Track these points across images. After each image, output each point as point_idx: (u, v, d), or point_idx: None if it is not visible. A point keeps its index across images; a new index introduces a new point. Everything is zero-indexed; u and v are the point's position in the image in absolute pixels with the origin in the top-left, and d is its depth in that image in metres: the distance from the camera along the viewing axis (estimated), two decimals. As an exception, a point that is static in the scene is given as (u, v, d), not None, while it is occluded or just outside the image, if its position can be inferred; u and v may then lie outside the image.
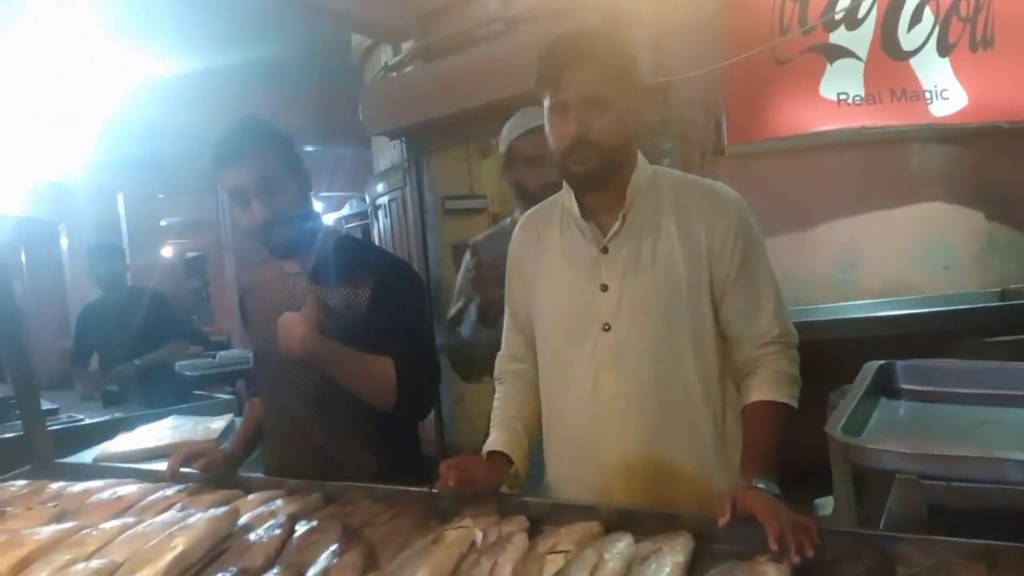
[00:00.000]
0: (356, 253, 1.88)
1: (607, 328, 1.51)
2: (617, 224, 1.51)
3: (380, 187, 5.97)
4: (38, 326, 13.41)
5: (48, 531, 1.50)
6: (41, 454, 2.15)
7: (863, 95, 4.24)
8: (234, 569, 1.29)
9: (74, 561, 1.36)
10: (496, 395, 1.71)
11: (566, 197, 1.59)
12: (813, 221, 4.29)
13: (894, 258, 4.26)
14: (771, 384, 1.47)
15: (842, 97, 4.22)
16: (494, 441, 1.60)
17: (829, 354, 1.85)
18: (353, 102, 5.52)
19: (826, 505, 3.15)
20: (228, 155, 1.73)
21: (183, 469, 1.85)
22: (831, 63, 4.24)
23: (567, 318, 1.57)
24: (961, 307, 3.99)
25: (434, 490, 1.50)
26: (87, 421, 3.31)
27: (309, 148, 7.65)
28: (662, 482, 1.50)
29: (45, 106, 5.47)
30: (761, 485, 1.31)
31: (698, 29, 4.30)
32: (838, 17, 4.23)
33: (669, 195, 1.53)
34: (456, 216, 5.45)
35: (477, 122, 4.80)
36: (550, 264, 1.60)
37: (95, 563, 1.35)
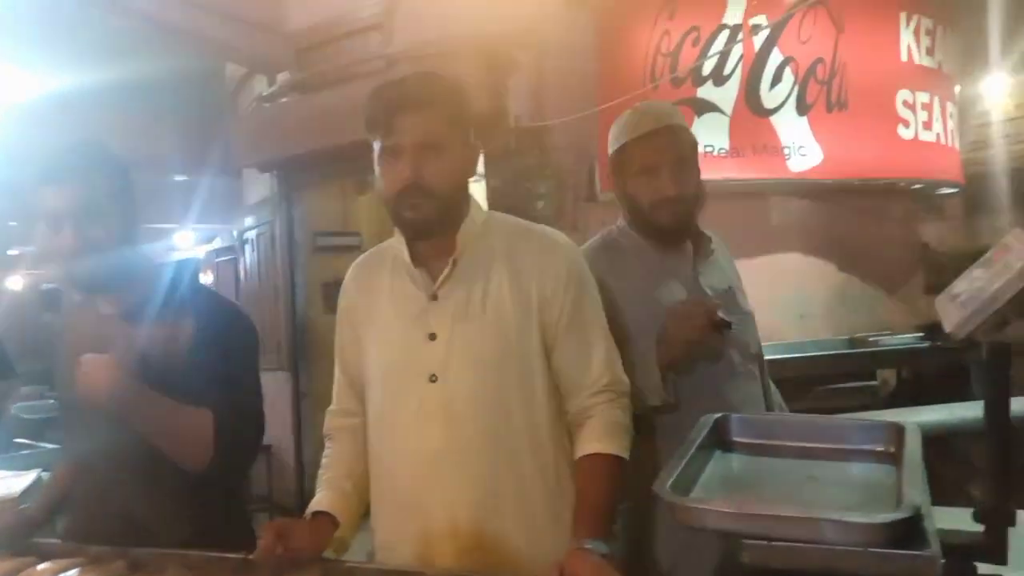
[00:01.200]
0: (182, 294, 1.71)
1: (433, 379, 1.45)
2: (447, 270, 1.47)
3: (249, 220, 5.76)
4: None
5: None
6: None
7: (728, 148, 4.42)
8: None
9: None
10: (325, 453, 1.61)
11: (396, 244, 1.54)
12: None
13: (756, 306, 4.42)
14: (603, 436, 1.46)
15: (708, 149, 4.38)
16: (319, 501, 1.49)
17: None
18: (225, 132, 5.31)
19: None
20: (48, 175, 1.59)
21: None
22: (699, 116, 4.41)
23: (393, 369, 1.51)
24: (815, 354, 4.17)
25: (250, 556, 1.36)
26: None
27: (179, 177, 7.31)
28: (491, 542, 1.43)
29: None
30: (590, 546, 1.29)
31: (576, 77, 4.40)
32: (705, 73, 4.42)
33: (501, 242, 1.51)
34: (327, 253, 5.29)
35: (353, 158, 4.69)
36: (379, 313, 1.54)
37: None
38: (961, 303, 1.11)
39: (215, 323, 1.65)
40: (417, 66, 4.76)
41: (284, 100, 5.35)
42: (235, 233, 6.15)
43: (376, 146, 1.45)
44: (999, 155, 7.32)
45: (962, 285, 1.18)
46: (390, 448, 1.51)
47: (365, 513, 1.57)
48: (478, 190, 5.02)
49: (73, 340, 1.70)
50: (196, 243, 7.50)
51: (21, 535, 1.64)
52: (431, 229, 1.46)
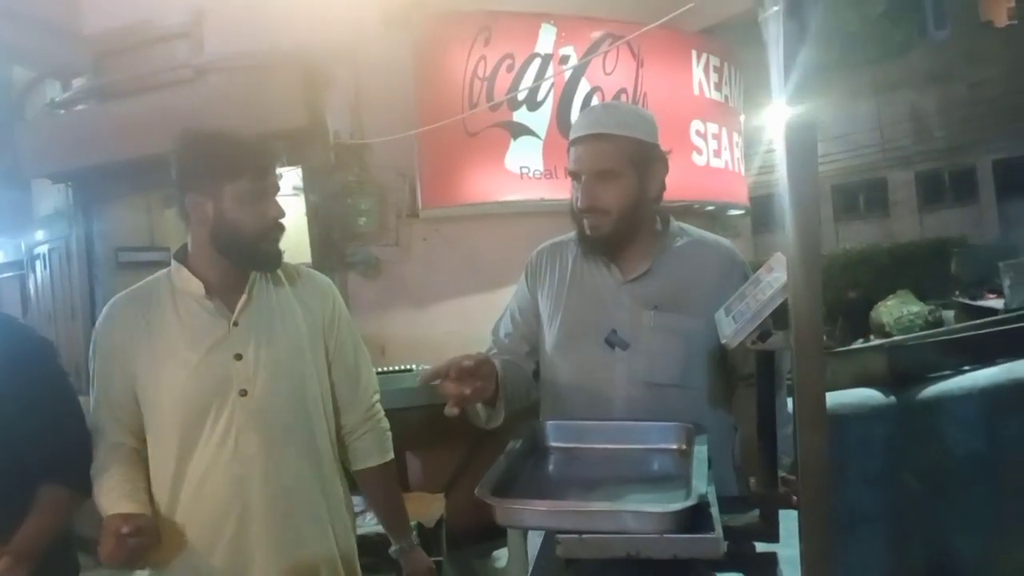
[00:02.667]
0: None
1: (244, 393, 1.61)
2: (244, 299, 1.65)
3: (40, 235, 5.30)
4: None
5: None
6: None
7: (542, 170, 4.64)
8: None
9: None
10: (106, 477, 1.60)
11: (176, 279, 1.66)
12: (503, 283, 4.56)
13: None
14: (382, 448, 1.79)
15: (524, 170, 4.58)
16: (119, 504, 1.54)
17: (517, 411, 1.97)
18: (10, 139, 4.87)
19: (502, 556, 3.31)
20: None
21: None
22: (515, 139, 4.60)
23: (200, 390, 1.61)
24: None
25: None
26: None
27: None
28: (305, 535, 1.65)
29: None
30: (416, 541, 1.79)
31: (395, 95, 4.43)
32: (520, 98, 4.62)
33: (285, 276, 1.73)
34: (132, 270, 4.98)
35: (159, 170, 4.46)
36: (168, 346, 1.63)
37: None
38: (733, 317, 1.28)
39: (10, 352, 1.57)
40: (228, 77, 4.61)
41: (81, 108, 4.99)
42: (23, 247, 5.63)
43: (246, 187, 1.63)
44: (781, 178, 8.16)
45: (734, 301, 1.35)
46: (197, 461, 1.61)
47: None
48: (298, 204, 4.94)
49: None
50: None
51: None
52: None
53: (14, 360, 1.61)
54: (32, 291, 5.28)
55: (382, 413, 1.81)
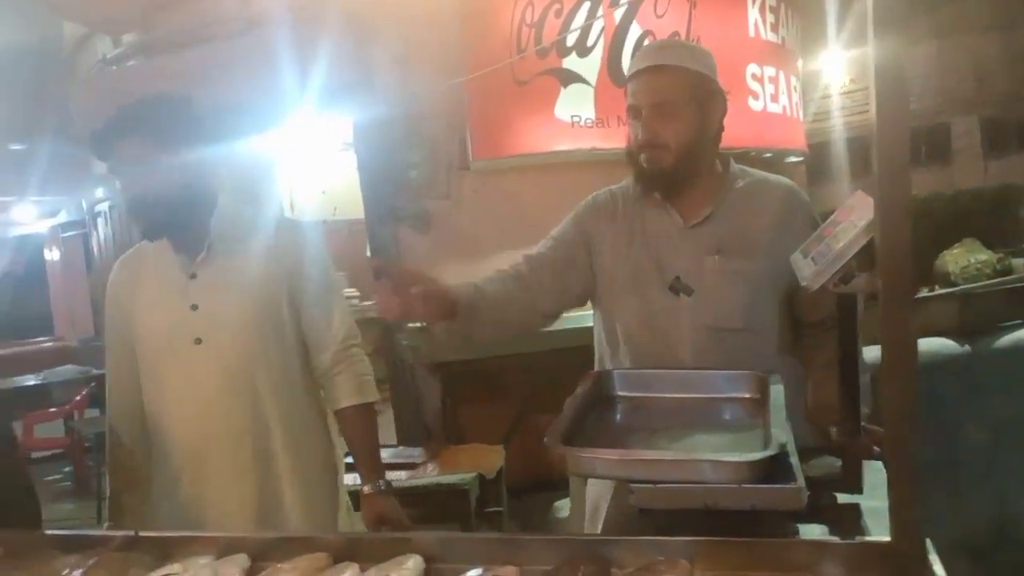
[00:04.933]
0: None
1: (198, 342, 1.75)
2: (203, 254, 1.77)
3: (100, 192, 5.39)
4: None
5: None
6: None
7: (594, 118, 4.54)
8: None
9: None
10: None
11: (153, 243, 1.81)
12: (553, 235, 4.52)
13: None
14: (357, 388, 1.82)
15: (575, 119, 4.48)
16: None
17: (573, 362, 1.93)
18: (64, 96, 4.93)
19: (563, 507, 3.33)
20: None
21: None
22: (565, 87, 4.49)
23: (162, 336, 1.78)
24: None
25: (115, 534, 1.37)
26: None
27: (16, 146, 6.73)
28: (264, 479, 1.76)
29: None
30: (383, 485, 1.78)
31: (443, 45, 4.36)
32: (569, 44, 4.50)
33: (249, 229, 1.81)
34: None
35: (206, 122, 4.50)
36: (145, 294, 1.82)
37: None
38: (813, 259, 1.23)
39: None
40: (276, 30, 4.59)
41: (131, 63, 5.03)
42: (84, 205, 5.75)
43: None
44: (837, 126, 7.91)
45: (812, 242, 1.30)
46: (164, 405, 1.79)
47: None
48: (348, 160, 4.94)
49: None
50: (38, 217, 6.92)
51: None
52: (174, 226, 1.78)
53: None
54: (95, 248, 5.39)
55: (360, 356, 1.85)
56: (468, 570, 1.13)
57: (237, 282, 1.77)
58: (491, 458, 3.16)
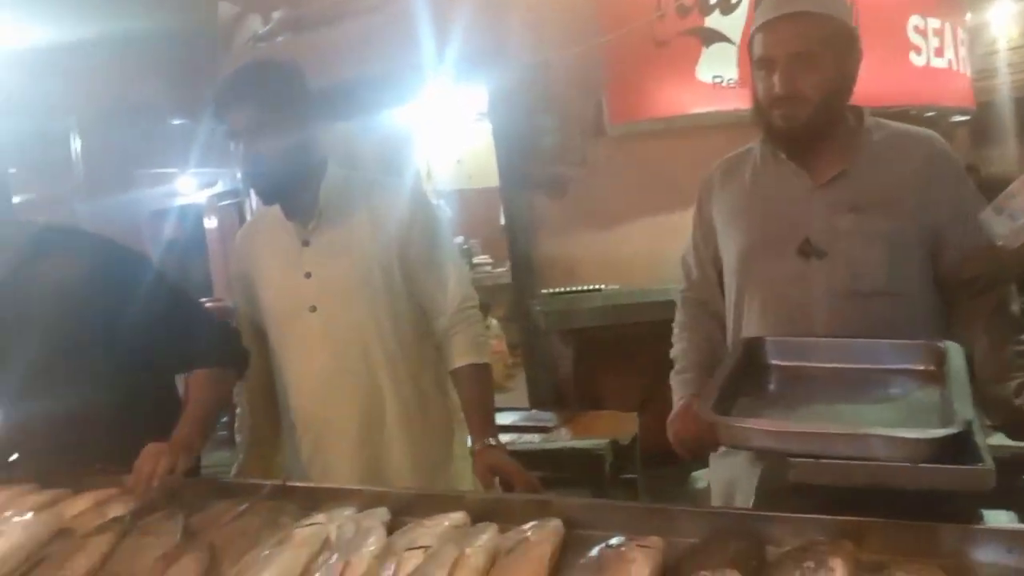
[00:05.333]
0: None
1: (313, 310, 1.75)
2: (314, 222, 1.76)
3: (251, 163, 5.66)
4: None
5: None
6: None
7: (737, 78, 4.32)
8: (52, 581, 1.13)
9: None
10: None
11: (273, 208, 1.80)
12: (694, 200, 4.36)
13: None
14: (471, 348, 1.76)
15: (717, 80, 4.28)
16: None
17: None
18: (220, 73, 5.20)
19: (701, 478, 3.23)
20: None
21: None
22: (707, 47, 4.29)
23: (279, 304, 1.81)
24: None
25: (287, 482, 1.43)
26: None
27: (176, 121, 7.18)
28: (377, 444, 1.75)
29: None
30: (494, 442, 1.66)
31: (577, 9, 4.27)
32: (712, 1, 4.29)
33: (361, 194, 1.79)
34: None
35: (350, 95, 4.63)
36: (265, 262, 1.84)
37: None
38: (1009, 215, 1.10)
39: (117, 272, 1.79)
40: (414, 2, 4.64)
41: (280, 39, 5.23)
42: (238, 175, 6.06)
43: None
44: (1004, 84, 7.20)
45: (1005, 199, 1.16)
46: (285, 371, 1.81)
47: None
48: (483, 128, 4.95)
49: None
50: (198, 188, 7.39)
51: None
52: (283, 194, 1.77)
53: (123, 278, 1.73)
54: (248, 215, 5.68)
55: (476, 317, 1.81)
56: (609, 537, 1.09)
57: (348, 249, 1.76)
58: (625, 425, 3.11)
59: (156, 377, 1.83)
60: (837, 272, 1.50)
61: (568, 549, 1.11)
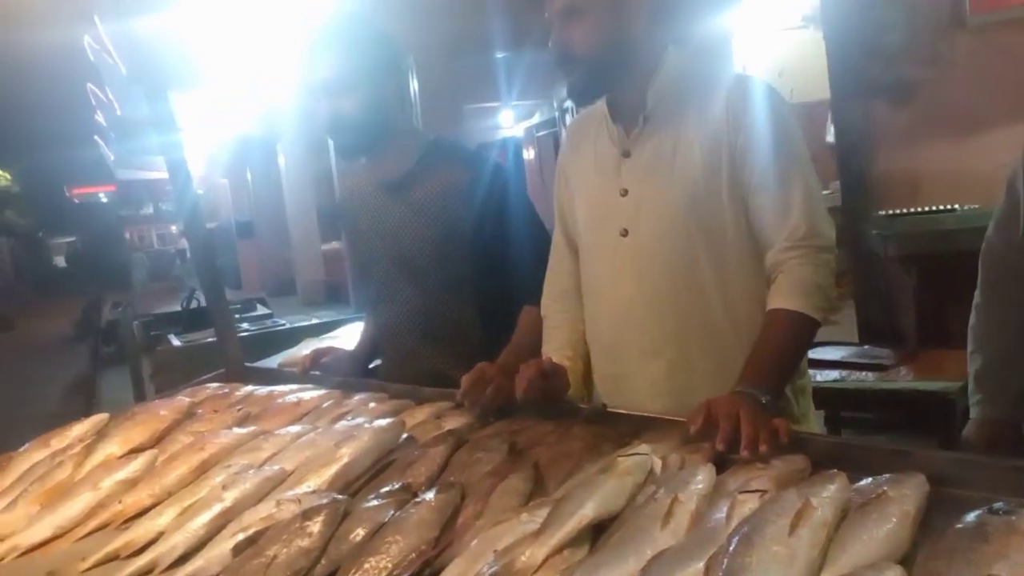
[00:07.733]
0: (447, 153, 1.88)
1: (624, 234, 1.50)
2: (638, 128, 1.48)
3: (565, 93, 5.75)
4: (263, 237, 14.66)
5: (228, 436, 1.53)
6: (232, 358, 2.23)
7: None
8: (397, 485, 1.22)
9: (248, 467, 1.38)
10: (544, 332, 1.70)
11: (601, 105, 1.56)
12: (1078, 103, 3.59)
13: None
14: (790, 293, 1.37)
15: None
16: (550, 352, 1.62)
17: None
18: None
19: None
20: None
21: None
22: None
23: (591, 224, 1.58)
24: None
25: (583, 406, 1.46)
26: (286, 326, 3.48)
27: (500, 54, 7.50)
28: (681, 387, 1.47)
29: (259, 30, 5.72)
30: (748, 391, 1.25)
31: None
32: None
33: (697, 92, 1.46)
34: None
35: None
36: (583, 169, 1.60)
37: (266, 470, 1.35)
38: None
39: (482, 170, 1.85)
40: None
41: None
42: (555, 104, 6.21)
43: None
44: None
45: None
46: (592, 300, 1.60)
47: None
48: (804, 36, 4.49)
49: (354, 210, 1.99)
50: (516, 120, 7.74)
51: (349, 371, 2.04)
52: (590, 92, 1.52)
53: (497, 190, 1.82)
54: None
55: (818, 259, 1.38)
56: (992, 502, 0.90)
57: (671, 165, 1.44)
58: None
59: (495, 303, 1.87)
60: None
61: (932, 510, 0.94)
